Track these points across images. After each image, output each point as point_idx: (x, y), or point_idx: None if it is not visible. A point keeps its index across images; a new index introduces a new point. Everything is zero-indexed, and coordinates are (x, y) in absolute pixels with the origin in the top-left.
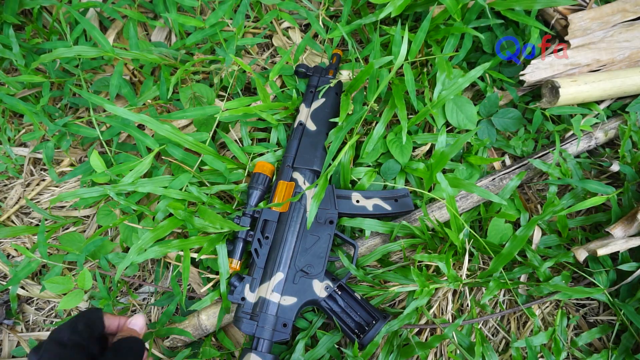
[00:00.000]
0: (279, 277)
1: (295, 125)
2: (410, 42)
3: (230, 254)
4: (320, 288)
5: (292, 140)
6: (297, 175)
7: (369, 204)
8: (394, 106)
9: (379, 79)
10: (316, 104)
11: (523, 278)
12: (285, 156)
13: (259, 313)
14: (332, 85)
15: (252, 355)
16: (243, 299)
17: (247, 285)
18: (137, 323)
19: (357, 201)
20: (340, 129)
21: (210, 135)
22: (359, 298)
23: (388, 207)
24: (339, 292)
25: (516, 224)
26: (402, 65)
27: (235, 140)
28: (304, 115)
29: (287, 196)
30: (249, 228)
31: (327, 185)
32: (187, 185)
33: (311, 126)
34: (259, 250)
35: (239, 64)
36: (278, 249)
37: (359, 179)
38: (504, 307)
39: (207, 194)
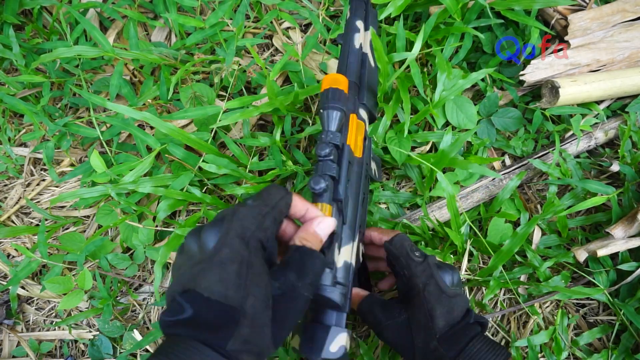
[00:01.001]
0: (357, 238)
1: (356, 44)
2: (412, 41)
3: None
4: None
5: (352, 62)
6: (364, 114)
7: None
8: (396, 102)
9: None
10: (369, 36)
11: (523, 278)
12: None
13: (346, 282)
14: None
15: (333, 327)
16: (332, 264)
17: (335, 247)
18: (326, 229)
19: None
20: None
21: (212, 135)
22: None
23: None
24: None
25: (516, 225)
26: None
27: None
28: (363, 39)
29: (360, 136)
30: (332, 159)
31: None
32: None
33: (372, 61)
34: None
35: (253, 57)
36: (357, 203)
37: None
38: (505, 306)
39: (211, 182)
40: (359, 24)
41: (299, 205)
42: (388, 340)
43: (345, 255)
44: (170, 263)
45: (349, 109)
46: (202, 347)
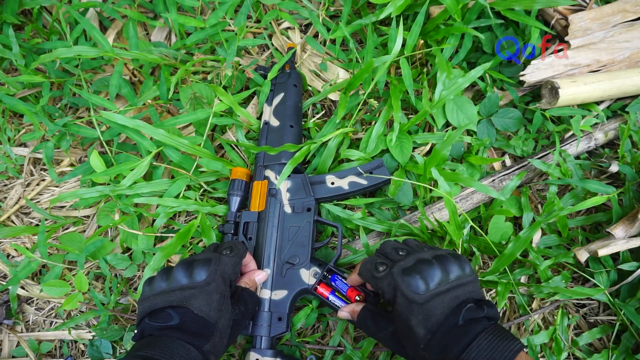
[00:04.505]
0: (276, 265)
1: (262, 125)
2: (406, 38)
3: None
4: (308, 276)
5: (260, 140)
6: (268, 172)
7: (344, 183)
8: (392, 106)
9: (374, 75)
10: (277, 100)
11: (523, 279)
12: (256, 157)
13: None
14: (289, 78)
15: (251, 354)
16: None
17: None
18: (261, 279)
19: (332, 183)
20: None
21: (207, 135)
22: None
23: (364, 182)
24: (329, 276)
25: (516, 224)
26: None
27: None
28: (267, 113)
29: (263, 194)
30: (232, 232)
31: (296, 161)
32: (188, 188)
33: (275, 122)
34: None
35: (253, 57)
36: (262, 246)
37: (350, 160)
38: (507, 305)
39: (204, 191)
40: (264, 107)
41: (247, 258)
42: (391, 348)
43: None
44: (170, 262)
45: (253, 180)
46: (186, 344)
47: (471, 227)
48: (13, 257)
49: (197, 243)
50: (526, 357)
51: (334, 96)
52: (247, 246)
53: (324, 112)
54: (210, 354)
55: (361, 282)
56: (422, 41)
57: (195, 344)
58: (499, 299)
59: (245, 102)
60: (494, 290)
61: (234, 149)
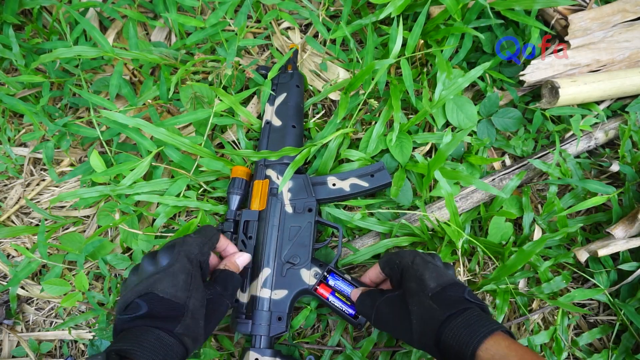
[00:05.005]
0: (266, 272)
1: (263, 125)
2: (407, 38)
3: None
4: (308, 276)
5: (262, 139)
6: (270, 172)
7: (345, 185)
8: (392, 106)
9: (374, 75)
10: (279, 100)
11: (522, 282)
12: None
13: (253, 311)
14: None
15: (250, 353)
16: (236, 300)
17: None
18: (243, 261)
19: (334, 184)
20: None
21: (208, 134)
22: (350, 279)
23: (365, 184)
24: (329, 276)
25: (516, 224)
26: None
27: (233, 142)
28: (269, 113)
29: (264, 194)
30: (232, 231)
31: (299, 162)
32: (187, 187)
33: (276, 122)
34: (243, 250)
35: (253, 57)
36: (262, 245)
37: (350, 160)
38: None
39: (203, 191)
40: (266, 107)
41: (223, 242)
42: (386, 319)
43: (253, 290)
44: None
45: (254, 178)
46: (156, 330)
47: (471, 227)
48: (13, 257)
49: None
50: (505, 336)
51: (334, 96)
52: (220, 231)
53: (324, 111)
54: (183, 337)
55: (377, 278)
56: (422, 41)
57: (165, 327)
58: (498, 312)
59: (245, 102)
60: (492, 297)
61: (235, 148)
